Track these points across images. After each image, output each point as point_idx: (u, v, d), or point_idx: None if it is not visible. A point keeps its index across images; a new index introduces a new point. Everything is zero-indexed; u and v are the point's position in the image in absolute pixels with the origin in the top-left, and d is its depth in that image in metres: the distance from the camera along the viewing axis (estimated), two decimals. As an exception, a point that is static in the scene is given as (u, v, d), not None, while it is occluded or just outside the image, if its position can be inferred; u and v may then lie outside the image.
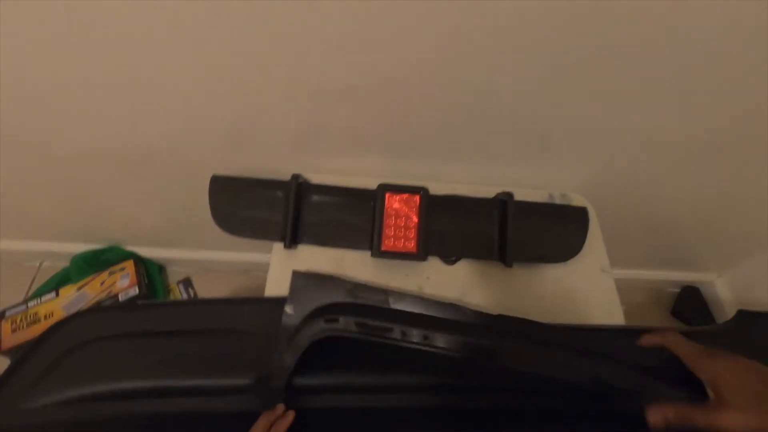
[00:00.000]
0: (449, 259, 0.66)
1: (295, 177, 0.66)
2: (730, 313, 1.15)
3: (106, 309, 0.57)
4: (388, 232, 0.63)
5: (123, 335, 0.52)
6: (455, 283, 0.65)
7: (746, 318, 0.63)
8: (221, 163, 0.71)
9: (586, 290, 0.66)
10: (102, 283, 1.02)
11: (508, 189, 0.69)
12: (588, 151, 0.70)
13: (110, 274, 1.03)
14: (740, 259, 1.12)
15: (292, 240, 0.64)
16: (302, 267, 0.65)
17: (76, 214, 0.96)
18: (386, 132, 0.66)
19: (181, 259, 1.14)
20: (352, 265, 0.65)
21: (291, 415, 0.48)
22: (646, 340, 0.47)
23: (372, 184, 0.67)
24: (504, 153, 0.70)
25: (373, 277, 0.64)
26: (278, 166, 0.70)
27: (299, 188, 0.66)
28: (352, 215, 0.66)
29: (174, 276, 1.18)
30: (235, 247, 1.09)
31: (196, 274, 1.18)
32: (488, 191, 0.70)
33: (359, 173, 0.71)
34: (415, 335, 0.50)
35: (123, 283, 1.01)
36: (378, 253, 0.63)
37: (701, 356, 0.40)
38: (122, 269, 1.03)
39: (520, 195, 0.69)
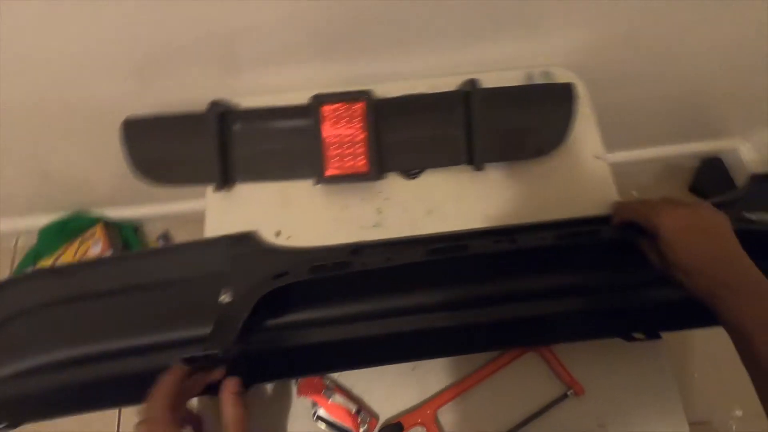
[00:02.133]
0: (410, 172, 0.56)
1: (214, 105, 0.55)
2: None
3: (25, 278, 0.52)
4: (332, 152, 0.53)
5: (49, 303, 0.48)
6: (421, 199, 0.56)
7: (760, 182, 0.54)
8: (136, 101, 0.60)
9: (576, 183, 0.56)
10: (75, 254, 0.97)
11: (476, 76, 0.56)
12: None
13: (81, 243, 0.97)
14: (769, 117, 0.97)
15: (223, 180, 0.55)
16: (242, 209, 0.56)
17: (29, 183, 0.89)
18: (316, 28, 0.53)
19: (154, 214, 1.08)
20: (299, 197, 0.56)
21: (218, 373, 0.42)
22: (614, 221, 0.47)
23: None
24: (467, 28, 0.56)
25: (324, 206, 0.55)
26: (199, 94, 0.59)
27: (221, 118, 0.55)
28: (288, 140, 0.55)
29: (153, 234, 1.13)
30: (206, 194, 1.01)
31: (174, 227, 1.13)
32: (453, 83, 0.58)
33: (295, 88, 0.59)
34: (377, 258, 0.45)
35: (95, 249, 0.97)
36: (323, 179, 0.53)
37: (645, 213, 0.42)
38: (92, 235, 0.98)
39: (491, 80, 0.56)
